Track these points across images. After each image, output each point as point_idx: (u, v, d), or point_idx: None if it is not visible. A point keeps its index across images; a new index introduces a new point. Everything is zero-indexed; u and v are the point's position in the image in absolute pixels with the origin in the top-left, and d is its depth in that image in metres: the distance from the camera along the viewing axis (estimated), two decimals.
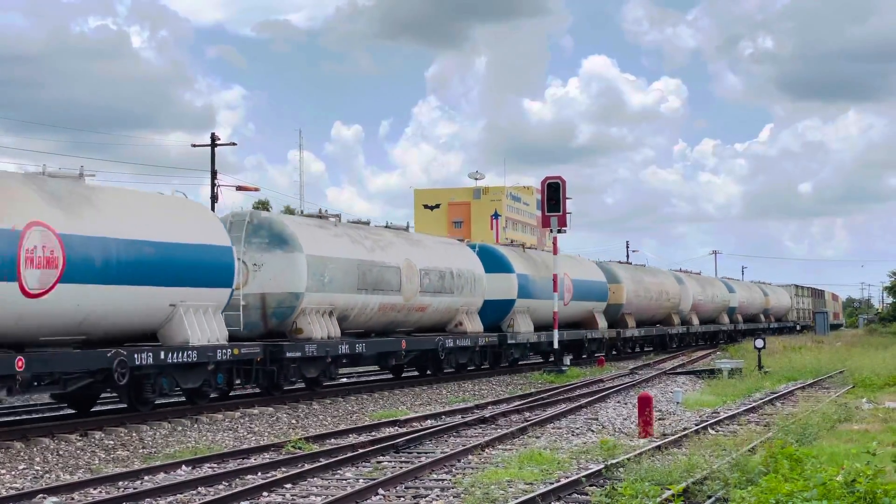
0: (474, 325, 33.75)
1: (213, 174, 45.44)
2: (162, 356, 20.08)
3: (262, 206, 76.81)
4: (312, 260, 25.36)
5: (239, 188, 47.32)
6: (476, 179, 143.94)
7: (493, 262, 36.02)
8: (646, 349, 53.72)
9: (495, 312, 35.89)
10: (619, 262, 52.63)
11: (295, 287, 25.02)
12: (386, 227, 31.60)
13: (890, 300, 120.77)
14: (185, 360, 20.63)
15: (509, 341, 35.95)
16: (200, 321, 21.38)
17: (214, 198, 43.53)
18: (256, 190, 49.85)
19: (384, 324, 29.30)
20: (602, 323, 44.53)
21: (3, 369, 16.93)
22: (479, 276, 34.07)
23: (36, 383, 18.40)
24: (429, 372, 32.47)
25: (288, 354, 24.07)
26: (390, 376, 33.21)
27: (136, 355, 19.49)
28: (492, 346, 35.02)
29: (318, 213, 28.59)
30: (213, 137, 46.97)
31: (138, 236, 19.85)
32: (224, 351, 21.85)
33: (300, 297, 25.08)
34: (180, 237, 21.03)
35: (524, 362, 40.01)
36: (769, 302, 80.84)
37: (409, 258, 29.87)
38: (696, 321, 59.41)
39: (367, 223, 30.30)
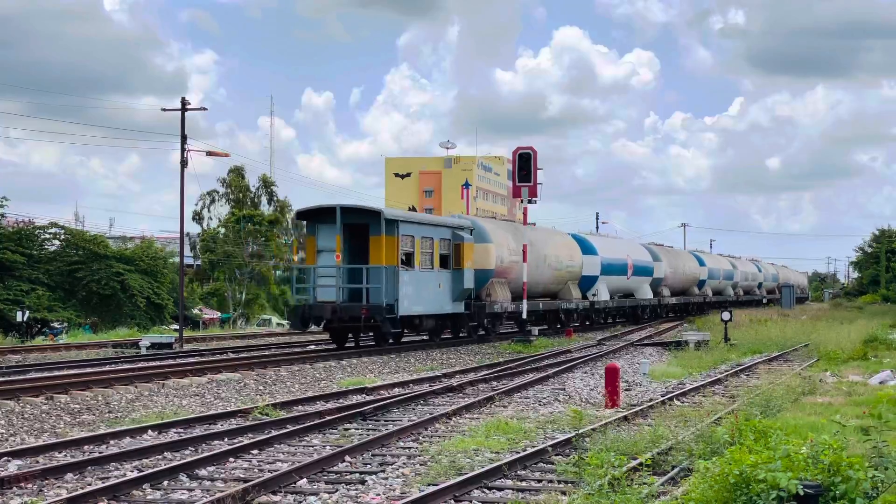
0: None
1: (183, 139, 44.99)
2: None
3: (237, 171, 76.20)
4: None
5: (209, 153, 46.90)
6: (447, 149, 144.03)
7: None
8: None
9: None
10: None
11: None
12: None
13: (855, 275, 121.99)
14: None
15: None
16: None
17: (184, 163, 43.11)
18: (227, 156, 49.46)
19: None
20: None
21: None
22: None
23: None
24: None
25: None
26: None
27: None
28: None
29: None
30: (184, 102, 46.50)
31: None
32: None
33: None
34: None
35: None
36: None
37: None
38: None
39: None
